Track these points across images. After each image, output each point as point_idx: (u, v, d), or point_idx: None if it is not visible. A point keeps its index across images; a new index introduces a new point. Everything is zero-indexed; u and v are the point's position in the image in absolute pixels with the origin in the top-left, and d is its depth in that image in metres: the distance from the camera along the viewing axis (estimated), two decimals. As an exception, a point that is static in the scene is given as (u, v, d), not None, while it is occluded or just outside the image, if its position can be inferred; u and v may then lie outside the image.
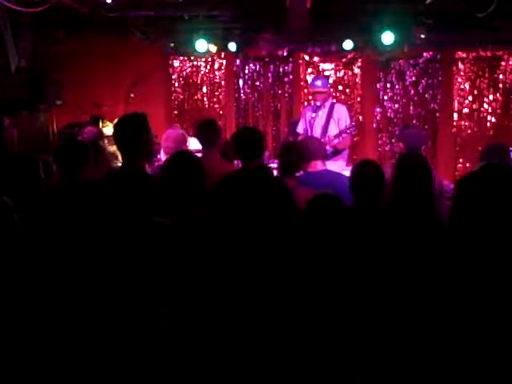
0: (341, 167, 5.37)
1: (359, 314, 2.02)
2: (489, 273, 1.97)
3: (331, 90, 7.52)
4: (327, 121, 5.68)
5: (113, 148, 6.26)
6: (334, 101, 6.26)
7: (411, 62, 7.62)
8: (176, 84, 8.03)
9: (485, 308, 1.94)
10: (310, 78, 7.79)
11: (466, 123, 7.67)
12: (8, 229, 2.43)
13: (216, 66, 8.00)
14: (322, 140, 5.22)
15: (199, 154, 4.18)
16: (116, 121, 3.09)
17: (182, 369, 1.78)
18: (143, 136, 2.92)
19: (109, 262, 1.99)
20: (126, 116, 3.05)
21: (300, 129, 6.01)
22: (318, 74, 7.79)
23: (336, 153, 5.49)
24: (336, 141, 5.50)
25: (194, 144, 5.10)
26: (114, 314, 1.86)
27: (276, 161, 4.40)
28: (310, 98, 7.59)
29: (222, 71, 8.01)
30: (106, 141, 5.85)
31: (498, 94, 7.51)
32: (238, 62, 7.94)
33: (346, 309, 2.02)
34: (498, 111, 7.54)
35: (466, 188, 2.11)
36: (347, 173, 3.93)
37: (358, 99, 7.86)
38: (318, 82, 5.85)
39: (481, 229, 2.03)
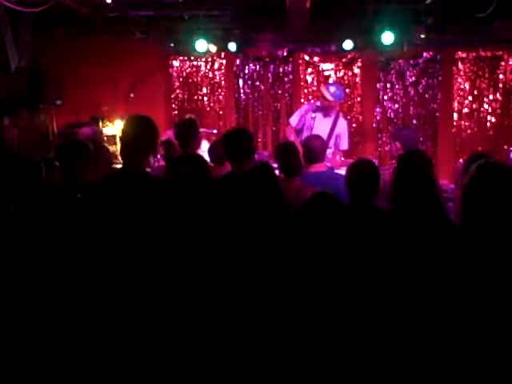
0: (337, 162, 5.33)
1: (360, 313, 2.01)
2: (497, 273, 1.97)
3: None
4: (330, 135, 5.61)
5: (112, 148, 6.28)
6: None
7: (411, 62, 7.61)
8: (176, 84, 8.03)
9: (492, 309, 1.94)
10: (310, 78, 7.80)
11: (466, 123, 7.67)
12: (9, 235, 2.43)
13: (216, 66, 8.00)
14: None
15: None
16: (128, 120, 3.05)
17: (192, 372, 1.78)
18: (155, 139, 2.93)
19: (118, 265, 1.99)
20: (135, 116, 3.02)
21: (294, 121, 5.88)
22: (318, 74, 7.79)
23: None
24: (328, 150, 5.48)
25: (204, 146, 5.09)
26: (123, 319, 1.85)
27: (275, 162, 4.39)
28: (311, 98, 7.62)
29: (222, 71, 8.00)
30: (105, 139, 5.86)
31: (498, 94, 7.50)
32: (238, 61, 7.94)
33: (346, 308, 2.01)
34: (498, 111, 7.54)
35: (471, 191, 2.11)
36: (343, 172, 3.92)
37: (358, 99, 7.86)
38: (332, 88, 5.65)
39: (489, 229, 2.03)
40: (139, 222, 1.98)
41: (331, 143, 5.60)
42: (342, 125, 5.76)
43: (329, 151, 5.44)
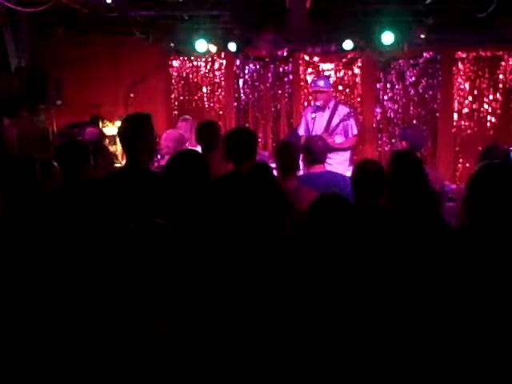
0: (343, 166, 5.39)
1: (368, 317, 2.01)
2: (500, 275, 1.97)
3: (332, 90, 7.56)
4: (330, 120, 5.70)
5: (113, 148, 6.28)
6: (335, 99, 6.30)
7: (411, 62, 7.62)
8: (176, 84, 8.03)
9: (494, 310, 1.94)
10: (310, 78, 7.80)
11: (466, 123, 7.67)
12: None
13: (216, 66, 8.00)
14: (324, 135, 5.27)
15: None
16: (122, 120, 3.10)
17: (180, 374, 1.77)
18: (147, 136, 2.94)
19: (108, 263, 1.98)
20: (130, 115, 3.07)
21: (301, 130, 6.03)
22: (318, 74, 7.79)
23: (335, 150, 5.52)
24: (339, 131, 5.56)
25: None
26: (113, 317, 1.84)
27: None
28: (311, 98, 7.62)
29: (222, 71, 8.01)
30: (106, 141, 5.86)
31: (498, 94, 7.51)
32: (238, 62, 7.94)
33: (354, 311, 2.00)
34: (498, 111, 7.54)
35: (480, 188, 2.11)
36: (349, 173, 3.93)
37: (358, 99, 7.86)
38: (320, 82, 5.89)
39: (494, 230, 2.03)
40: (132, 221, 1.97)
41: (336, 131, 5.65)
42: (345, 111, 5.83)
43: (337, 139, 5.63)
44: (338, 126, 5.64)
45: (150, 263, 1.83)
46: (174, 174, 2.58)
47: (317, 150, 3.97)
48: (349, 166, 5.56)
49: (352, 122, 5.74)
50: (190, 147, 5.08)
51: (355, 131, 5.79)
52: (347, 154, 5.79)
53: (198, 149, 4.19)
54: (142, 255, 1.84)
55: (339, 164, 5.36)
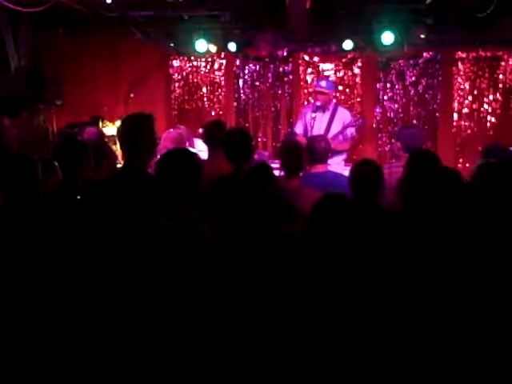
0: (340, 166, 5.41)
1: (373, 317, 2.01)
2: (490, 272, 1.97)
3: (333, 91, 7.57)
4: (330, 122, 5.71)
5: (113, 148, 6.27)
6: (335, 101, 6.30)
7: (411, 62, 7.61)
8: (176, 84, 8.03)
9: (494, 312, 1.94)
10: (310, 78, 7.80)
11: (466, 123, 7.67)
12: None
13: (216, 66, 8.00)
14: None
15: (205, 156, 4.16)
16: (122, 120, 3.07)
17: (184, 371, 1.77)
18: (148, 136, 2.91)
19: (113, 261, 1.98)
20: (130, 116, 3.03)
21: (298, 128, 6.03)
22: (318, 74, 7.79)
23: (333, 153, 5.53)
24: (340, 137, 5.57)
25: (200, 145, 5.09)
26: (116, 318, 1.84)
27: (276, 161, 4.40)
28: (311, 98, 7.62)
29: (222, 71, 8.01)
30: (106, 141, 5.86)
31: (497, 94, 7.50)
32: (237, 62, 7.94)
33: (357, 309, 2.00)
34: (498, 111, 7.53)
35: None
36: (346, 172, 3.94)
37: (358, 99, 7.85)
38: (323, 83, 5.90)
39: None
40: (134, 222, 1.97)
41: (335, 131, 5.65)
42: (345, 114, 5.84)
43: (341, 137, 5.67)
44: (340, 133, 5.64)
45: (155, 261, 1.83)
46: (163, 172, 2.57)
47: (319, 149, 3.97)
48: (345, 166, 5.58)
49: (354, 129, 5.77)
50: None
51: (354, 134, 5.83)
52: (343, 155, 5.81)
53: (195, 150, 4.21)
54: (148, 253, 1.84)
55: (336, 164, 5.37)
